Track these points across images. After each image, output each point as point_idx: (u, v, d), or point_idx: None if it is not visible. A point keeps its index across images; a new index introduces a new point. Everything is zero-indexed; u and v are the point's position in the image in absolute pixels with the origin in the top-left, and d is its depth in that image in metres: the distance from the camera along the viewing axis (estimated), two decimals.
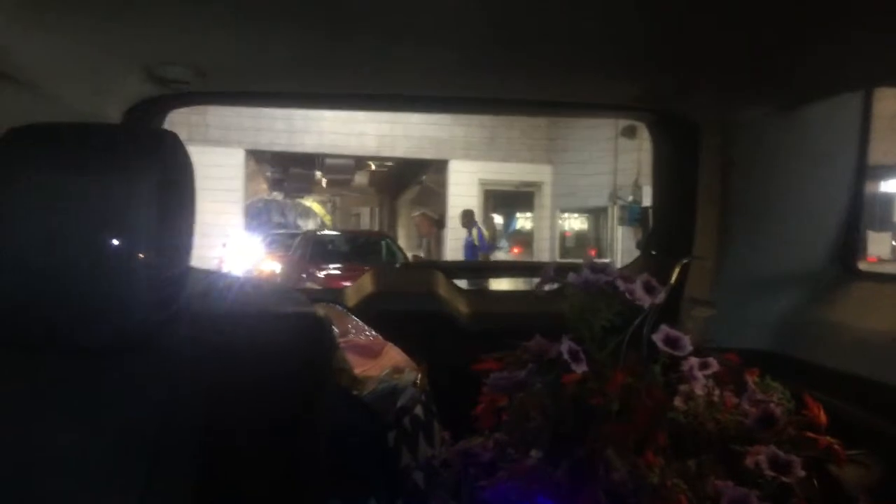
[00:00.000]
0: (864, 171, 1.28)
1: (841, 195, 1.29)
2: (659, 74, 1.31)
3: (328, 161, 12.62)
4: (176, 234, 0.78)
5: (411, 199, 14.91)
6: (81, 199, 0.71)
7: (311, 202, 16.07)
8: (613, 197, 11.31)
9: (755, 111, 1.29)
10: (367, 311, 1.51)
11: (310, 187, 14.77)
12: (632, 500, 0.81)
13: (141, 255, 0.72)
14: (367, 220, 16.65)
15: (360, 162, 13.11)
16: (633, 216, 9.76)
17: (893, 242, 10.63)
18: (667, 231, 1.65)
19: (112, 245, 0.72)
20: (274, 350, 0.81)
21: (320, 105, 2.32)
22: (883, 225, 10.59)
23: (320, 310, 0.91)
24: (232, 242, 10.68)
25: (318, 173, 13.77)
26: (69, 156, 0.73)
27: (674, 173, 1.63)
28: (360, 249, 10.21)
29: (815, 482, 0.81)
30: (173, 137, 0.80)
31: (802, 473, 0.80)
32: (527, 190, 12.58)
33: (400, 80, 1.47)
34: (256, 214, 13.22)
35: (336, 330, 1.21)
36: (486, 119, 11.35)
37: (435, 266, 2.05)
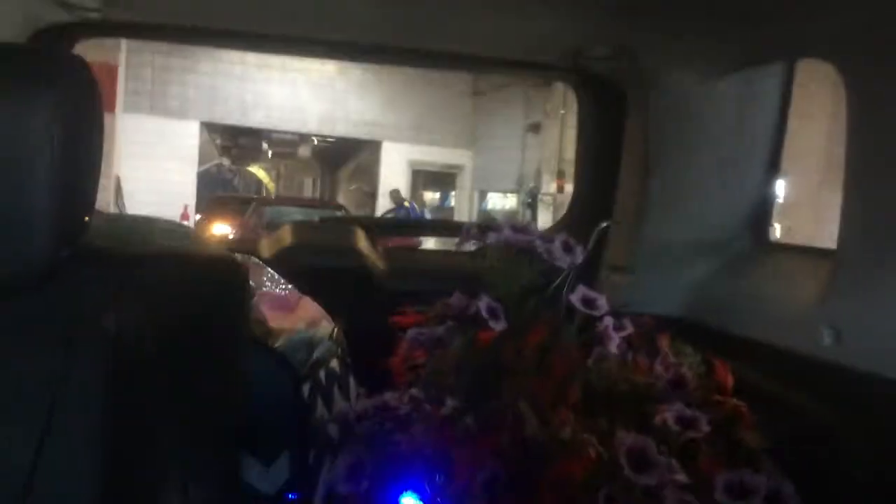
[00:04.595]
0: (781, 145, 1.32)
1: (757, 167, 1.33)
2: (587, 36, 1.31)
3: (274, 134, 13.90)
4: (80, 165, 0.72)
5: (349, 173, 16.08)
6: None
7: (256, 169, 16.61)
8: (520, 181, 13.14)
9: (680, 79, 1.31)
10: (284, 264, 1.47)
11: (257, 156, 15.72)
12: (541, 454, 0.82)
13: (40, 187, 0.67)
14: (309, 189, 17.55)
15: (303, 137, 14.35)
16: (526, 199, 12.41)
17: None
18: (589, 196, 1.67)
19: (8, 176, 0.66)
20: (185, 292, 0.77)
21: (235, 45, 2.23)
22: None
23: (236, 257, 0.87)
24: (189, 206, 11.33)
25: (265, 144, 14.92)
26: None
27: (597, 138, 1.64)
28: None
29: (723, 442, 0.84)
30: (79, 62, 0.74)
31: (707, 428, 0.82)
32: (450, 171, 14.29)
33: (319, 26, 1.43)
34: (208, 179, 13.63)
35: (251, 281, 1.17)
36: (416, 107, 12.96)
37: (357, 222, 2.01)
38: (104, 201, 10.15)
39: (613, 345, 0.94)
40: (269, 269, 1.33)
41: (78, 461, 0.69)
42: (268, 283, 1.26)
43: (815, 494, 0.80)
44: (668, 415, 0.84)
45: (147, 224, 0.97)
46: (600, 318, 0.95)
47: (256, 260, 1.41)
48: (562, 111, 11.33)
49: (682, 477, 0.79)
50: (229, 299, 0.82)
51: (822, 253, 1.17)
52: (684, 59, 1.29)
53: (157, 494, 0.72)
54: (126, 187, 11.24)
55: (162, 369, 0.74)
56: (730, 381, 0.92)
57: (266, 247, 1.70)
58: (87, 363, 0.71)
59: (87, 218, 0.75)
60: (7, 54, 0.73)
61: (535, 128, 12.44)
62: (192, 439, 0.76)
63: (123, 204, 10.94)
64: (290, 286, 1.29)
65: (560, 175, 11.56)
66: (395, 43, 1.54)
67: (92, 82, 0.74)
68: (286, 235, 1.74)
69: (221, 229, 10.19)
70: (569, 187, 10.42)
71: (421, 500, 0.84)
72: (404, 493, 0.85)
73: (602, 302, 0.96)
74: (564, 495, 0.79)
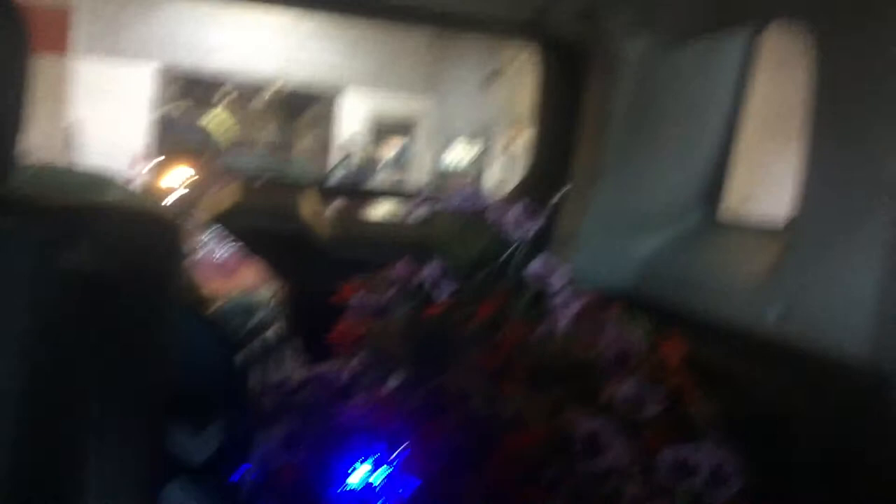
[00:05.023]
0: (737, 119, 1.31)
1: (711, 140, 1.32)
2: None
3: (232, 80, 13.50)
4: (2, 101, 0.66)
5: (309, 120, 15.58)
6: None
7: (219, 112, 16.44)
8: (476, 133, 12.93)
9: (642, 43, 1.28)
10: (226, 226, 1.41)
11: (214, 101, 15.10)
12: (487, 428, 0.80)
13: None
14: (270, 136, 17.64)
15: (261, 84, 14.05)
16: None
17: None
18: (546, 162, 1.64)
19: None
20: (111, 249, 0.72)
21: None
22: None
23: (172, 215, 0.82)
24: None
25: (222, 90, 14.51)
26: None
27: (557, 103, 1.61)
28: (270, 169, 10.61)
29: (669, 418, 0.83)
30: (6, 1, 0.67)
31: (656, 407, 0.81)
32: (409, 122, 13.83)
33: None
34: (163, 126, 13.09)
35: (189, 242, 1.12)
36: (376, 54, 12.71)
37: (302, 185, 1.95)
38: (54, 150, 9.80)
39: (564, 319, 0.92)
40: (208, 231, 1.27)
41: None
42: (206, 245, 1.20)
43: (761, 470, 0.79)
44: (615, 391, 0.83)
45: (85, 177, 0.92)
46: (554, 292, 0.93)
47: (194, 220, 1.35)
48: (524, 56, 11.11)
49: (628, 459, 0.78)
50: (162, 257, 0.77)
51: (772, 228, 1.17)
52: (649, 22, 1.26)
53: (74, 462, 0.68)
54: (78, 134, 10.85)
55: (86, 327, 0.70)
56: (677, 355, 0.91)
57: (207, 207, 1.64)
58: (4, 314, 0.66)
59: (10, 167, 0.69)
60: None
61: (497, 74, 12.14)
62: (114, 403, 0.71)
63: (75, 152, 10.65)
64: (230, 248, 1.23)
65: (516, 125, 11.28)
66: None
67: (19, 22, 0.68)
68: (231, 196, 1.68)
69: (184, 172, 10.06)
70: (521, 138, 10.46)
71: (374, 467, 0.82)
72: (359, 461, 0.82)
73: (558, 277, 0.94)
74: (511, 471, 0.77)
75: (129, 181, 1.22)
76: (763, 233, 1.22)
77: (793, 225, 1.01)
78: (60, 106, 10.41)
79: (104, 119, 11.08)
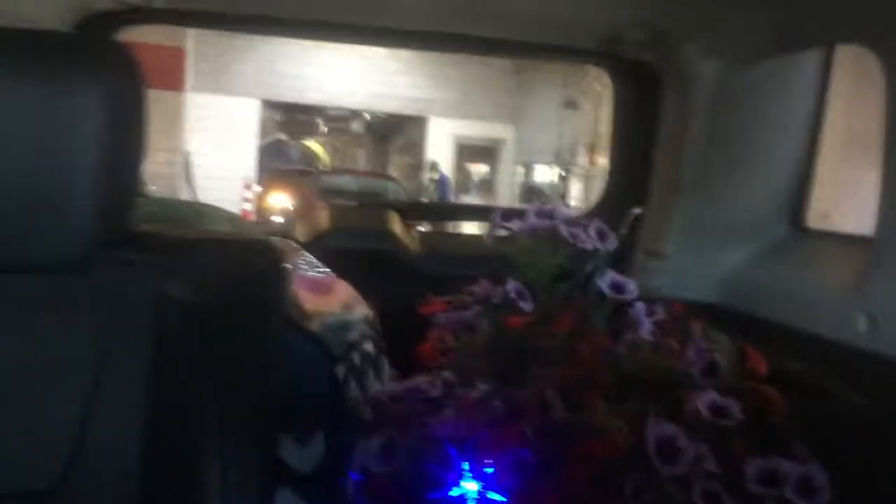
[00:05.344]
0: (819, 130, 1.30)
1: (794, 153, 1.31)
2: (623, 22, 1.30)
3: (328, 111, 15.11)
4: (123, 151, 0.75)
5: (398, 147, 17.16)
6: (24, 108, 0.67)
7: (312, 143, 17.60)
8: (557, 155, 13.81)
9: (717, 64, 1.29)
10: (320, 247, 1.49)
11: (312, 131, 16.99)
12: (568, 438, 0.83)
13: (85, 173, 0.69)
14: (361, 162, 18.62)
15: (355, 113, 15.59)
16: (560, 172, 13.48)
17: None
18: (623, 180, 1.66)
19: (54, 160, 0.68)
20: (224, 275, 0.79)
21: (277, 31, 2.26)
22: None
23: (273, 240, 0.89)
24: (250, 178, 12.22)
25: (320, 120, 16.36)
26: (10, 59, 0.69)
27: (632, 123, 1.63)
28: (367, 189, 10.92)
29: (755, 429, 0.84)
30: (125, 49, 0.76)
31: (740, 416, 0.82)
32: (492, 145, 15.00)
33: (361, 12, 1.44)
34: (269, 153, 14.43)
35: (289, 264, 1.19)
36: (460, 84, 13.75)
37: (391, 206, 2.02)
38: (174, 176, 10.85)
39: (644, 330, 0.94)
40: (305, 252, 1.35)
41: (120, 437, 0.72)
42: (304, 266, 1.28)
43: (848, 481, 0.79)
44: (700, 402, 0.84)
45: (192, 208, 1.00)
46: (630, 303, 0.95)
47: (293, 243, 1.44)
48: (598, 88, 11.49)
49: (711, 465, 0.79)
50: (267, 283, 0.84)
51: (858, 240, 1.15)
52: (720, 44, 1.27)
53: (197, 470, 0.75)
54: (195, 161, 11.86)
55: (203, 350, 0.77)
56: (763, 367, 0.91)
57: (302, 230, 1.73)
58: (131, 343, 0.74)
59: (130, 204, 0.78)
60: (54, 42, 0.76)
61: (573, 104, 13.03)
62: (231, 419, 0.78)
63: (193, 177, 11.40)
64: (325, 269, 1.31)
65: (591, 149, 11.99)
66: (435, 28, 1.55)
67: (136, 69, 0.76)
68: (322, 219, 1.77)
69: (281, 199, 10.55)
70: (601, 160, 10.90)
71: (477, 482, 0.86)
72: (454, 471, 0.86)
73: (631, 287, 0.96)
74: (591, 479, 0.79)
75: (229, 213, 1.31)
76: (849, 244, 1.20)
77: (880, 233, 1.00)
78: (178, 137, 11.37)
79: (217, 148, 12.26)
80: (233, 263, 0.82)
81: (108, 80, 0.71)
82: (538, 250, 0.97)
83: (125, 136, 0.74)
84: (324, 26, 1.64)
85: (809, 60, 1.26)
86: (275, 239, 1.14)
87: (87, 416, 0.71)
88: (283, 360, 0.86)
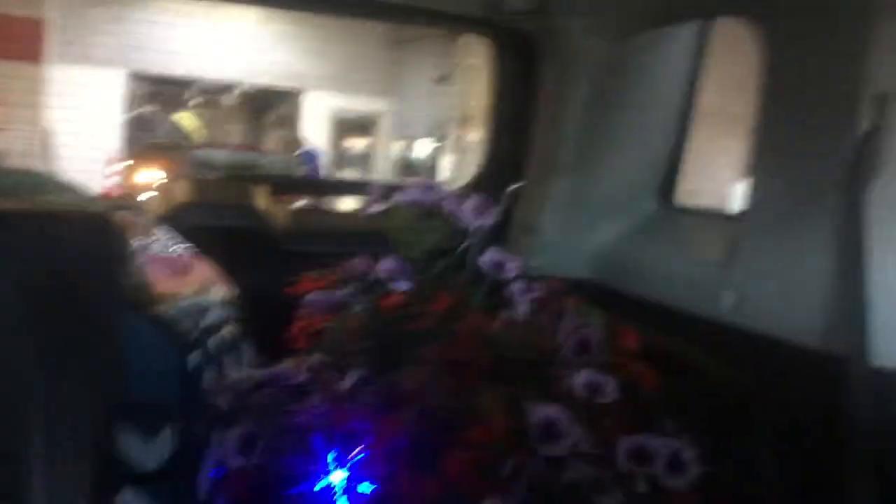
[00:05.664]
0: (692, 107, 1.32)
1: (667, 129, 1.33)
2: None
3: (200, 83, 14.22)
4: None
5: (274, 120, 16.54)
6: None
7: (185, 115, 17.03)
8: (432, 130, 13.88)
9: (595, 36, 1.28)
10: (178, 222, 1.37)
11: (182, 104, 15.77)
12: (447, 422, 0.79)
13: None
14: (237, 137, 18.36)
15: (227, 86, 14.81)
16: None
17: None
18: (500, 154, 1.64)
19: None
20: (49, 250, 0.70)
21: None
22: None
23: (117, 215, 0.79)
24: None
25: (191, 93, 15.22)
26: None
27: (510, 97, 1.61)
28: (240, 163, 10.55)
29: (626, 406, 0.83)
30: None
31: (615, 395, 0.81)
32: (370, 120, 14.95)
33: None
34: (135, 126, 13.56)
35: (137, 241, 1.08)
36: (336, 57, 13.62)
37: (259, 179, 1.92)
38: (32, 152, 10.14)
39: (521, 309, 0.92)
40: (160, 228, 1.24)
41: None
42: (157, 243, 1.17)
43: (717, 456, 0.80)
44: (574, 380, 0.83)
45: (28, 178, 0.89)
46: (510, 281, 0.93)
47: (145, 217, 1.32)
48: (471, 62, 11.78)
49: (587, 445, 0.78)
50: (102, 260, 0.75)
51: (726, 217, 1.19)
52: (601, 15, 1.26)
53: (20, 467, 0.66)
54: (56, 136, 11.19)
55: (27, 330, 0.67)
56: (634, 344, 0.91)
57: (158, 203, 1.60)
58: None
59: None
60: None
61: (445, 78, 13.12)
62: (60, 411, 0.69)
63: (52, 156, 10.68)
64: (182, 246, 1.20)
65: (462, 122, 11.98)
66: None
67: None
68: (180, 192, 1.64)
69: (151, 175, 10.07)
70: (472, 135, 11.11)
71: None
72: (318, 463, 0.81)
73: (512, 265, 0.93)
74: (472, 465, 0.76)
75: (76, 185, 1.18)
76: (718, 218, 1.23)
77: (745, 213, 1.02)
78: (37, 112, 10.72)
79: (79, 123, 11.55)
80: (62, 238, 0.72)
81: None
82: (417, 226, 0.92)
83: None
84: None
85: (684, 38, 1.27)
86: (120, 214, 1.03)
87: None
88: (124, 347, 0.77)
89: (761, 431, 0.87)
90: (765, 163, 0.98)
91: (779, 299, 0.93)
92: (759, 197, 0.99)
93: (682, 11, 1.18)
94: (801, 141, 0.93)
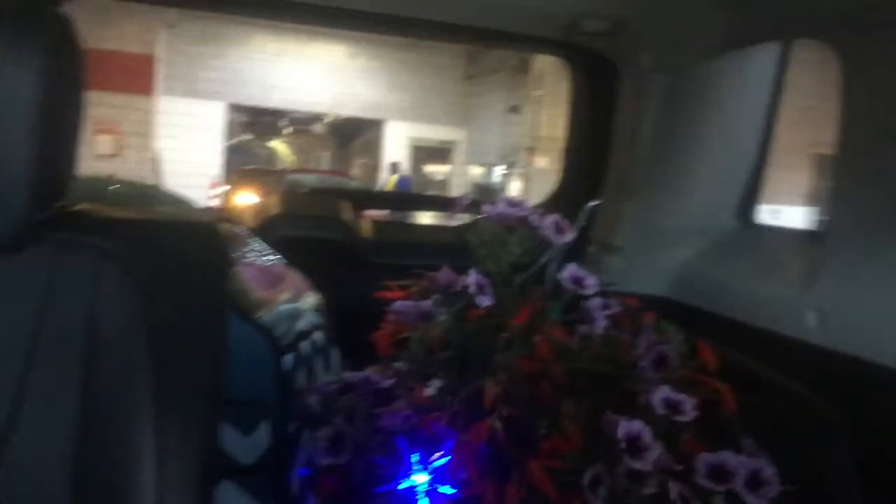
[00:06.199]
0: (772, 127, 1.31)
1: (747, 149, 1.32)
2: (583, 10, 1.29)
3: (292, 114, 15.84)
4: (59, 128, 0.70)
5: (358, 148, 18.17)
6: None
7: (278, 144, 17.98)
8: (503, 156, 14.91)
9: (674, 56, 1.29)
10: (270, 233, 1.45)
11: (277, 133, 17.80)
12: (525, 433, 0.81)
13: (17, 148, 0.65)
14: (324, 163, 19.50)
15: (317, 116, 16.44)
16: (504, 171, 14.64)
17: None
18: (578, 172, 1.66)
19: None
20: (161, 259, 0.76)
21: (227, 8, 2.19)
22: None
23: (221, 226, 0.85)
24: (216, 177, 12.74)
25: (284, 122, 17.11)
26: None
27: (589, 116, 1.63)
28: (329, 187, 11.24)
29: (705, 423, 0.84)
30: (65, 24, 0.72)
31: (693, 412, 0.82)
32: (445, 147, 16.10)
33: None
34: (234, 152, 15.13)
35: (236, 251, 1.15)
36: (415, 90, 14.83)
37: (345, 193, 1.99)
38: (144, 176, 11.11)
39: (600, 324, 0.93)
40: (256, 239, 1.31)
41: (54, 418, 0.68)
42: (254, 253, 1.24)
43: (798, 476, 0.80)
44: (653, 396, 0.84)
45: (141, 190, 0.96)
46: (588, 297, 0.94)
47: (242, 229, 1.39)
48: (538, 93, 12.17)
49: (668, 460, 0.79)
50: (209, 267, 0.81)
51: (809, 235, 1.17)
52: (680, 36, 1.27)
53: (132, 459, 0.72)
54: (164, 161, 12.13)
55: (139, 333, 0.73)
56: (713, 361, 0.91)
57: (252, 216, 1.68)
58: (64, 322, 0.70)
59: (66, 182, 0.73)
60: None
61: (515, 109, 14.18)
62: (169, 406, 0.75)
63: (162, 175, 11.49)
64: (275, 256, 1.27)
65: (530, 150, 12.76)
66: (393, 12, 1.52)
67: (76, 42, 0.72)
68: (272, 205, 1.72)
69: (248, 198, 10.65)
70: (540, 161, 11.83)
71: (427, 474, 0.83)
72: (403, 464, 0.84)
73: (590, 281, 0.95)
74: (551, 476, 0.78)
75: (184, 198, 1.27)
76: (800, 237, 1.22)
77: (828, 232, 1.01)
78: (148, 139, 11.91)
79: (184, 150, 12.74)
80: (172, 245, 0.78)
81: (43, 54, 0.66)
82: (501, 239, 0.95)
83: (61, 113, 0.70)
84: (277, 4, 1.60)
85: (767, 55, 1.27)
86: (222, 225, 1.10)
87: (20, 400, 0.67)
88: (226, 349, 0.82)
89: (843, 453, 0.86)
90: (847, 181, 0.97)
91: (863, 319, 0.91)
92: (841, 215, 0.98)
93: (761, 33, 1.18)
94: (884, 160, 0.92)
